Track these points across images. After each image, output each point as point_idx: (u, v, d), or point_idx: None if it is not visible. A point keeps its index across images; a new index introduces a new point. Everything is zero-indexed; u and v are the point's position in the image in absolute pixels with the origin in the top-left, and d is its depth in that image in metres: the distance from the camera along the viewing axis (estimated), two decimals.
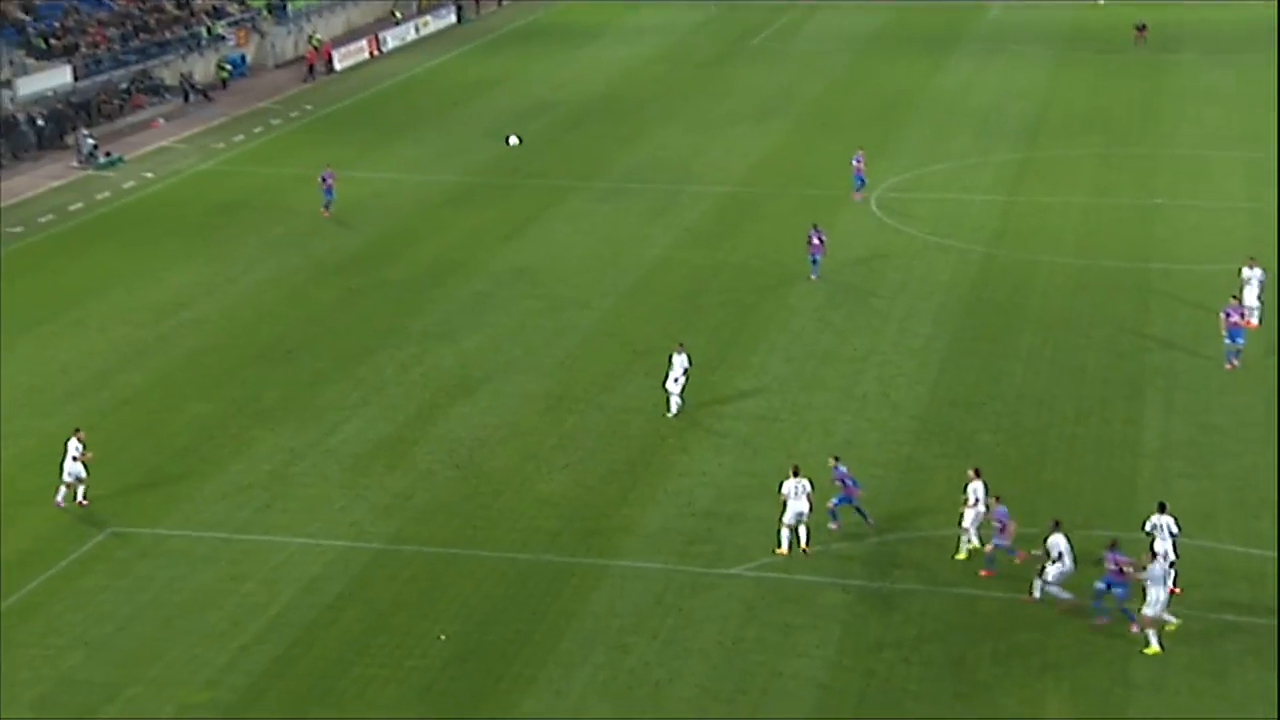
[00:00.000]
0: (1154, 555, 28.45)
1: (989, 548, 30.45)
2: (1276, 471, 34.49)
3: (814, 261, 48.84)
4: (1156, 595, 27.68)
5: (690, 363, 39.20)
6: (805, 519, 31.63)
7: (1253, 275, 43.23)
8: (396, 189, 61.92)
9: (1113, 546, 28.61)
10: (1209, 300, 44.93)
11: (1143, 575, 27.83)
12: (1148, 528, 29.67)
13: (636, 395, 40.64)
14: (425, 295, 49.40)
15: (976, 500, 31.10)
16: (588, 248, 53.86)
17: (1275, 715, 26.00)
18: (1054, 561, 28.99)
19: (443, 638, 29.42)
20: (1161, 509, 29.85)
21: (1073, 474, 35.35)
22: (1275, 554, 31.22)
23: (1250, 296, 42.88)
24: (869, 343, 43.89)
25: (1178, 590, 29.31)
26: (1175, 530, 29.61)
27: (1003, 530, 30.21)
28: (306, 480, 36.35)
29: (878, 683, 27.44)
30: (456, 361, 43.63)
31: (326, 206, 57.63)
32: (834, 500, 32.39)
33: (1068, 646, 28.26)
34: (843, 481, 32.39)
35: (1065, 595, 29.05)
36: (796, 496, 31.50)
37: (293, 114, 76.12)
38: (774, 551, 31.77)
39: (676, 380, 38.95)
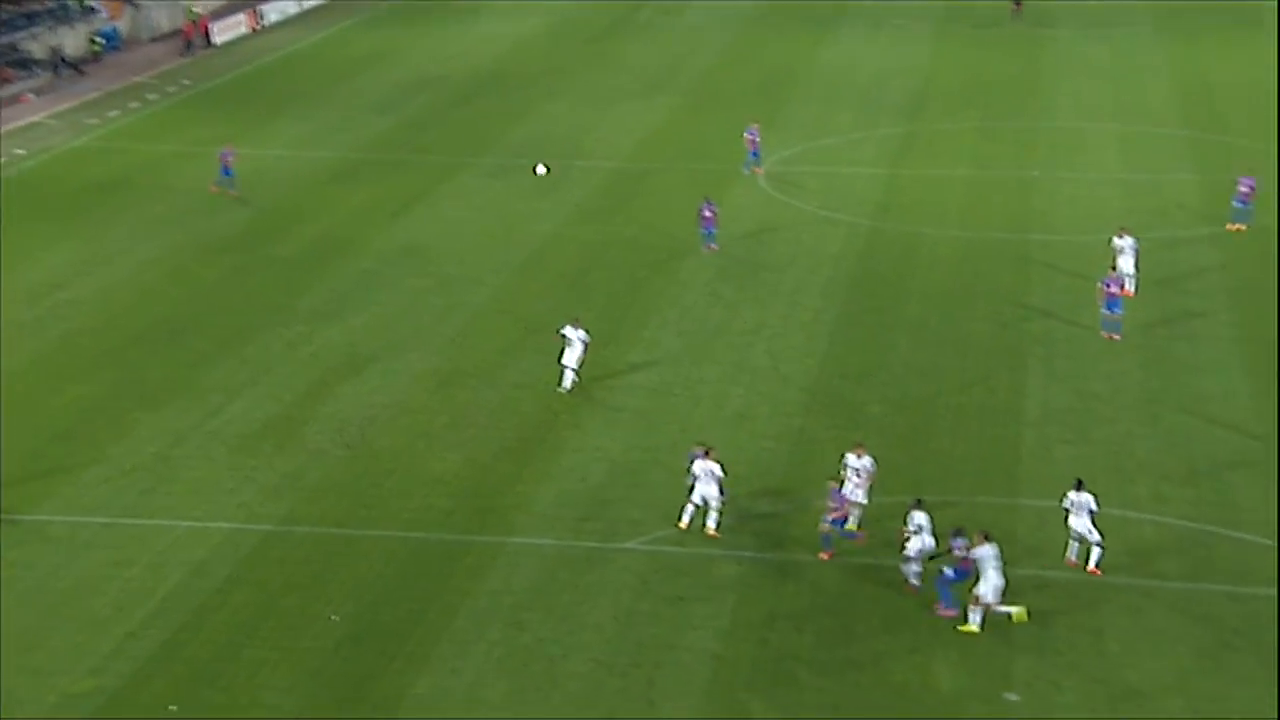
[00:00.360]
0: (985, 538, 27.94)
1: (823, 527, 30.33)
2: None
3: (708, 233, 48.92)
4: (992, 580, 27.47)
5: (589, 336, 39.03)
6: (714, 503, 31.50)
7: (1124, 244, 44.09)
8: (280, 166, 60.73)
9: (958, 534, 28.67)
10: (1086, 270, 45.76)
11: (971, 554, 27.85)
12: (1066, 505, 29.78)
13: (529, 372, 40.34)
14: (312, 273, 48.56)
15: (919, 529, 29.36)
16: (477, 224, 53.33)
17: (1151, 672, 26.53)
18: (914, 535, 28.87)
19: (335, 618, 28.98)
20: (1079, 486, 29.84)
21: (958, 442, 35.79)
22: (1150, 517, 31.88)
23: (1125, 265, 43.75)
24: (759, 316, 44.04)
25: (1098, 571, 29.47)
26: (1094, 508, 29.60)
27: (838, 510, 30.12)
28: (192, 462, 35.56)
29: (771, 652, 27.57)
30: (345, 340, 42.96)
31: (225, 185, 56.25)
32: (829, 521, 30.71)
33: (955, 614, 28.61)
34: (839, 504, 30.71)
35: (915, 580, 28.84)
36: (705, 480, 31.35)
37: (170, 89, 74.29)
38: (675, 525, 31.71)
39: (574, 355, 38.76)
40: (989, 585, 27.54)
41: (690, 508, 31.61)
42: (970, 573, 27.95)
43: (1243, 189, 49.26)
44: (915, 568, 28.96)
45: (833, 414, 37.50)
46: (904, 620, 28.45)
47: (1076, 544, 29.82)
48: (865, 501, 31.33)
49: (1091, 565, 29.53)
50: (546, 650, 27.91)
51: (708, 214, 48.98)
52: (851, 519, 31.19)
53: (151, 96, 72.79)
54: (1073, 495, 29.77)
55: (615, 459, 35.33)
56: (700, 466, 31.43)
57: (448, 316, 44.77)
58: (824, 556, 30.13)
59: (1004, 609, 27.82)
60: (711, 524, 31.47)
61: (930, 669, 26.87)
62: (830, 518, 30.31)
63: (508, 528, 32.45)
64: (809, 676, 26.81)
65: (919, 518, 29.02)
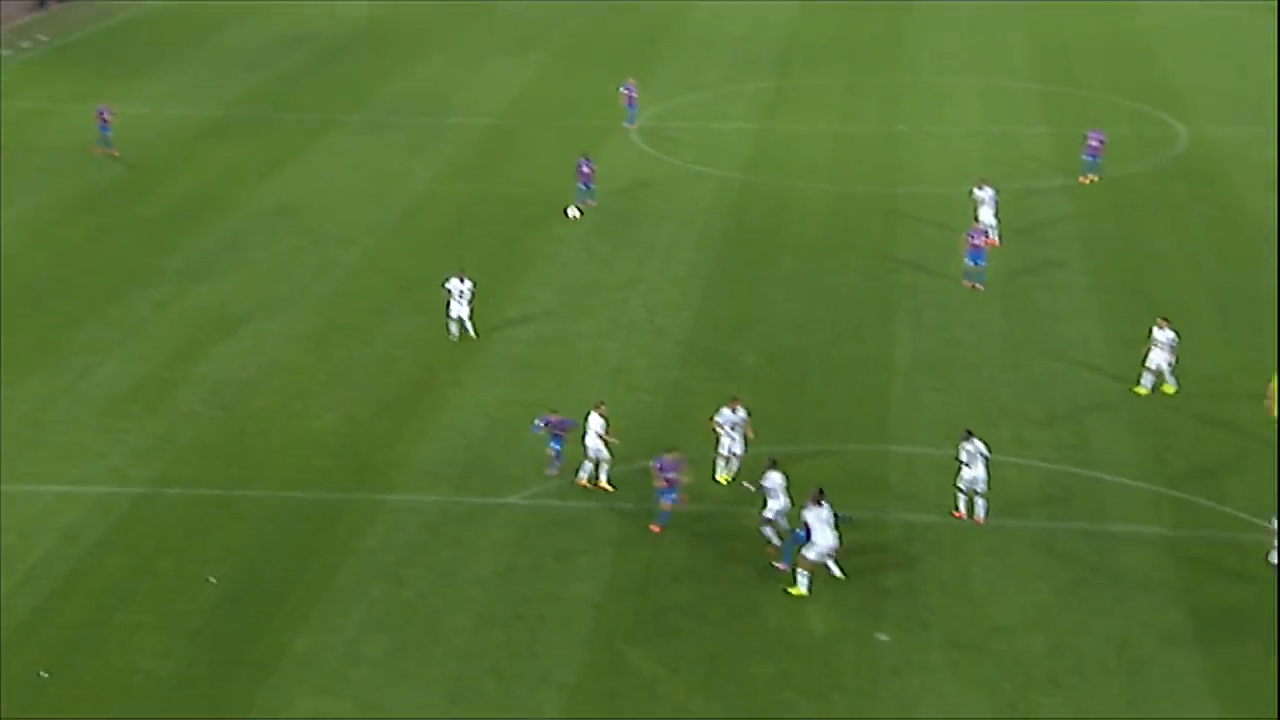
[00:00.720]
0: (818, 500, 27.51)
1: (667, 504, 29.71)
2: None
3: (586, 189, 48.74)
4: (820, 542, 27.36)
5: (474, 286, 38.91)
6: (606, 458, 31.46)
7: (984, 195, 44.92)
8: (145, 124, 59.04)
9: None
10: (951, 221, 46.56)
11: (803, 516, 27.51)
12: (961, 456, 29.97)
13: (406, 329, 39.95)
14: (180, 233, 47.45)
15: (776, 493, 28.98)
16: (350, 182, 52.53)
17: (1014, 609, 27.24)
18: (771, 498, 28.78)
19: (212, 580, 28.51)
20: (969, 435, 29.99)
21: (831, 392, 36.28)
22: (1012, 459, 32.65)
23: (986, 215, 44.60)
24: (634, 271, 44.07)
25: (981, 520, 29.90)
26: (986, 454, 29.84)
27: (665, 475, 29.56)
28: (60, 426, 34.63)
29: (650, 603, 27.77)
30: (216, 300, 42.08)
31: (103, 144, 54.54)
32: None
33: None
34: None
35: (776, 540, 28.77)
36: (591, 435, 31.29)
37: (24, 44, 71.76)
38: (574, 481, 31.67)
39: (462, 307, 38.63)
40: (815, 547, 27.53)
41: (588, 465, 31.59)
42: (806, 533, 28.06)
43: (1093, 143, 50.44)
44: (772, 529, 28.94)
45: (708, 366, 37.75)
46: (780, 575, 28.80)
47: (964, 496, 30.12)
48: (742, 452, 31.65)
49: (979, 516, 29.96)
50: (429, 605, 27.79)
51: (585, 170, 48.78)
52: (723, 469, 31.57)
53: (5, 53, 70.23)
54: (967, 445, 29.92)
55: (494, 415, 35.18)
56: (594, 420, 31.40)
57: (322, 275, 44.08)
58: (655, 529, 29.73)
59: (837, 571, 27.95)
60: (604, 478, 31.56)
61: (804, 614, 27.29)
62: (661, 487, 29.70)
63: (387, 485, 32.17)
64: (688, 625, 27.07)
65: (774, 478, 28.93)
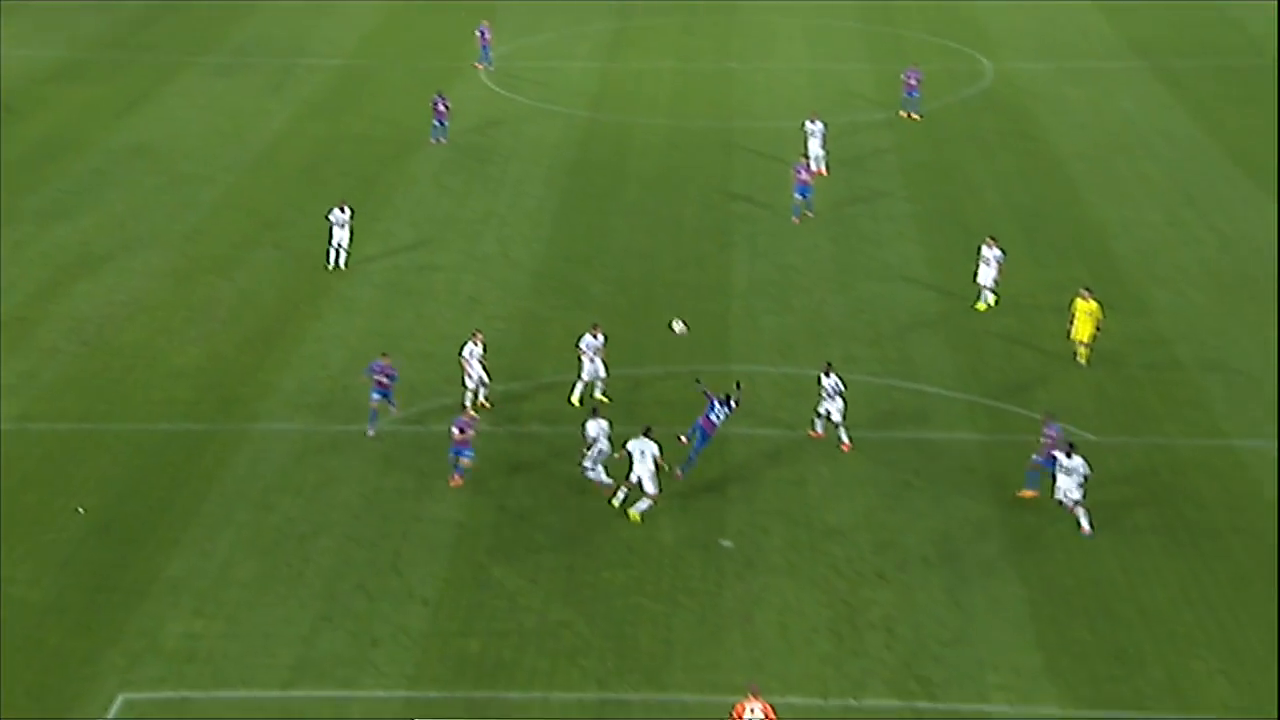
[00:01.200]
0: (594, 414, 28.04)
1: (465, 462, 28.52)
2: None
3: (441, 126, 47.94)
4: (644, 470, 27.20)
5: (353, 216, 38.51)
6: (484, 381, 31.15)
7: (815, 129, 45.36)
8: None
9: (594, 413, 28.45)
10: (782, 153, 46.96)
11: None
12: (823, 393, 29.83)
13: (266, 266, 39.03)
14: (36, 174, 45.50)
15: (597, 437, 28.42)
16: (206, 122, 50.87)
17: (845, 513, 27.91)
18: (591, 445, 28.22)
19: (81, 511, 27.72)
20: (828, 371, 29.94)
21: (676, 315, 36.30)
22: (844, 375, 33.30)
23: (814, 147, 45.07)
24: (487, 205, 43.64)
25: (847, 446, 29.86)
26: (842, 388, 29.84)
27: (461, 434, 28.50)
28: None
29: (510, 517, 27.80)
30: (77, 240, 40.55)
31: None
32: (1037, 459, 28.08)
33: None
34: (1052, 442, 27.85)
35: (606, 480, 28.38)
36: (471, 361, 30.99)
37: None
38: (479, 406, 31.24)
39: (344, 233, 38.27)
40: (634, 472, 27.30)
41: (469, 395, 31.20)
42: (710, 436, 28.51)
43: (911, 80, 51.18)
44: (597, 472, 28.26)
45: (559, 295, 37.64)
46: (631, 488, 29.04)
47: (822, 420, 30.14)
48: (605, 375, 31.76)
49: (845, 442, 29.90)
50: (296, 529, 27.42)
51: (440, 108, 48.04)
52: (579, 389, 31.67)
53: None
54: (825, 380, 29.78)
55: (355, 346, 34.65)
56: (469, 349, 31.03)
57: (182, 214, 42.74)
58: (454, 482, 28.62)
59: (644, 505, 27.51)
60: (482, 396, 31.42)
61: (655, 524, 27.60)
62: (454, 446, 28.57)
63: (252, 415, 31.54)
64: (545, 539, 27.18)
65: (595, 427, 28.15)
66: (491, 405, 31.42)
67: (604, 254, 40.28)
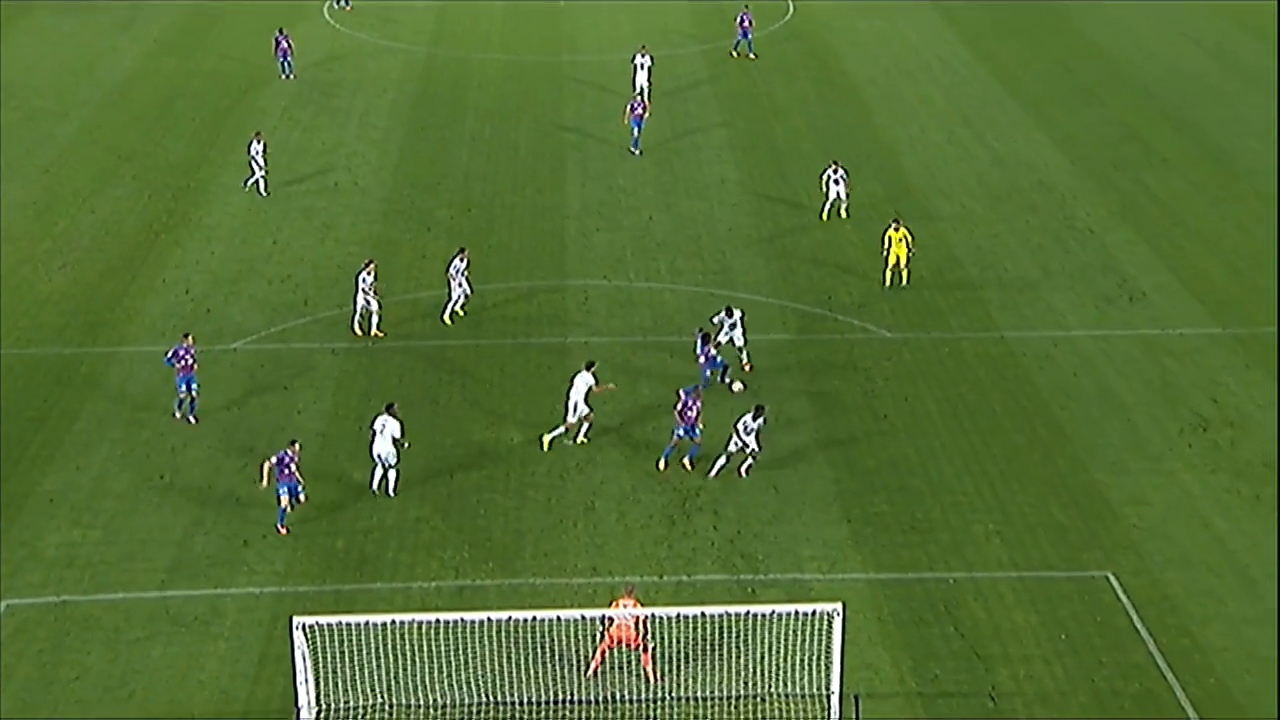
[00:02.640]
0: None
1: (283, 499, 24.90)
2: None
3: (285, 62, 46.18)
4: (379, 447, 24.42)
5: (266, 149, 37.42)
6: (375, 309, 30.19)
7: (643, 62, 44.87)
8: None
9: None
10: (609, 84, 46.45)
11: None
12: (721, 338, 29.07)
13: (126, 198, 37.18)
14: None
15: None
16: (58, 60, 47.94)
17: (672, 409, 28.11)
18: (376, 444, 24.56)
19: None
20: (729, 312, 29.04)
21: (515, 237, 36.01)
22: (669, 286, 33.43)
23: (641, 79, 44.60)
24: (335, 137, 42.25)
25: (748, 367, 29.06)
26: (742, 328, 28.98)
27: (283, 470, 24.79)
28: None
29: (368, 425, 27.20)
30: None
31: None
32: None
33: (519, 377, 29.18)
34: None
35: (393, 478, 24.80)
36: (362, 290, 29.97)
37: None
38: (375, 334, 30.23)
39: (259, 165, 37.09)
40: (375, 449, 24.59)
41: (357, 319, 30.21)
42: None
43: (744, 23, 50.61)
44: (387, 470, 24.94)
45: (407, 220, 36.77)
46: (480, 389, 28.79)
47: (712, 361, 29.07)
48: (470, 292, 31.27)
49: (746, 362, 29.09)
50: (167, 443, 26.47)
51: (284, 45, 46.11)
52: (452, 309, 31.00)
53: None
54: (722, 318, 29.02)
55: (215, 271, 33.36)
56: (362, 276, 29.95)
57: (38, 149, 40.35)
58: (281, 530, 23.94)
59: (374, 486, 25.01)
60: (373, 326, 30.32)
61: (504, 426, 27.42)
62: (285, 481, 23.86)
63: (120, 338, 30.20)
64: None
65: (382, 422, 24.69)
66: (384, 334, 30.32)
67: (448, 180, 39.44)
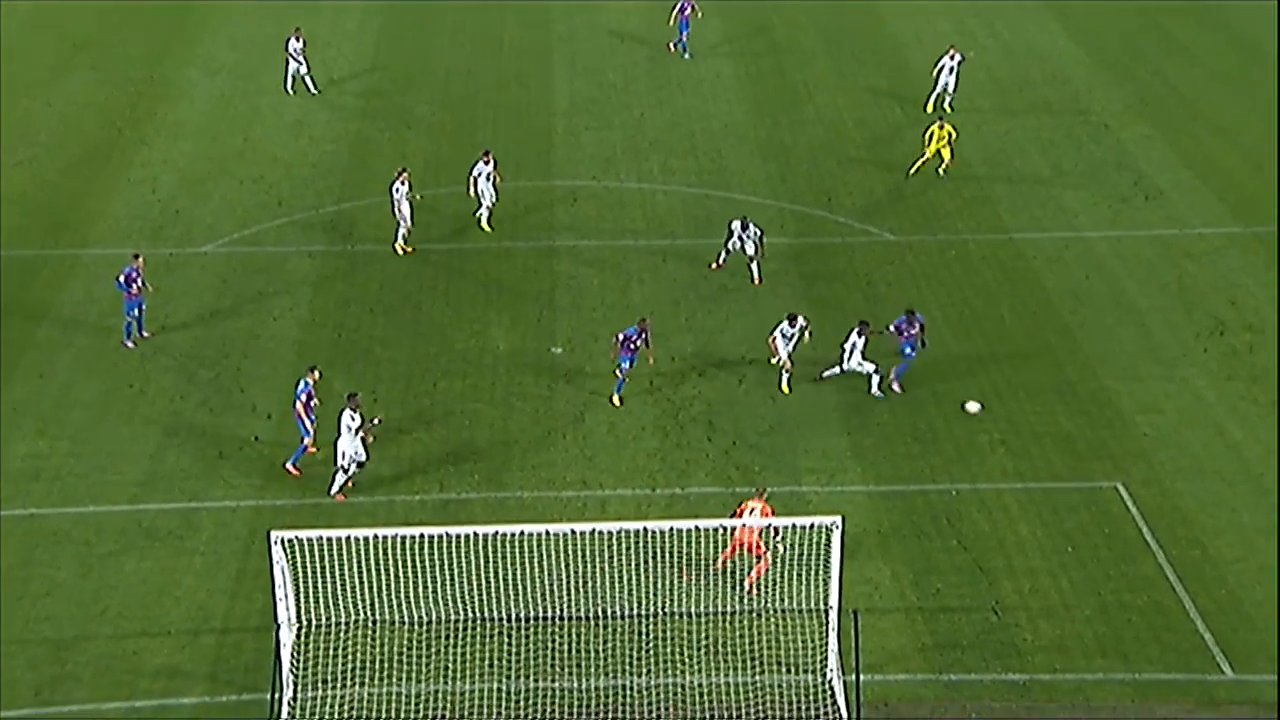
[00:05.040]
0: None
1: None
2: None
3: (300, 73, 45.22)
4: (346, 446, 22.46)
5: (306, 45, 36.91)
6: (407, 222, 29.42)
7: None
8: None
9: None
10: None
11: None
12: (734, 245, 28.68)
13: (83, 90, 36.42)
14: None
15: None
16: None
17: (665, 315, 27.89)
18: (341, 441, 22.45)
19: None
20: (745, 224, 28.51)
21: (500, 134, 35.42)
22: (661, 187, 32.97)
23: None
24: (308, 27, 41.17)
25: (758, 281, 28.65)
26: (757, 240, 28.55)
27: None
28: None
29: (347, 333, 27.06)
30: None
31: None
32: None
33: (505, 283, 28.88)
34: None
35: (352, 471, 22.68)
36: (397, 202, 29.15)
37: None
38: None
39: (301, 63, 36.70)
40: (344, 453, 22.47)
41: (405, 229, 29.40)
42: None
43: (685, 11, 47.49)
44: (349, 470, 22.80)
45: (386, 118, 36.13)
46: (463, 296, 28.50)
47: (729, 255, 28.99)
48: (495, 199, 30.51)
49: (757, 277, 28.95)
50: (136, 351, 26.20)
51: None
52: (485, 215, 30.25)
53: None
54: (735, 226, 28.51)
55: (183, 170, 32.82)
56: (395, 187, 29.01)
57: None
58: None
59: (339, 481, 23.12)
60: (398, 238, 29.46)
61: (488, 333, 27.20)
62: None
63: (84, 240, 29.78)
64: (381, 351, 26.57)
65: (347, 418, 22.71)
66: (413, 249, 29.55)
67: (427, 75, 38.70)
